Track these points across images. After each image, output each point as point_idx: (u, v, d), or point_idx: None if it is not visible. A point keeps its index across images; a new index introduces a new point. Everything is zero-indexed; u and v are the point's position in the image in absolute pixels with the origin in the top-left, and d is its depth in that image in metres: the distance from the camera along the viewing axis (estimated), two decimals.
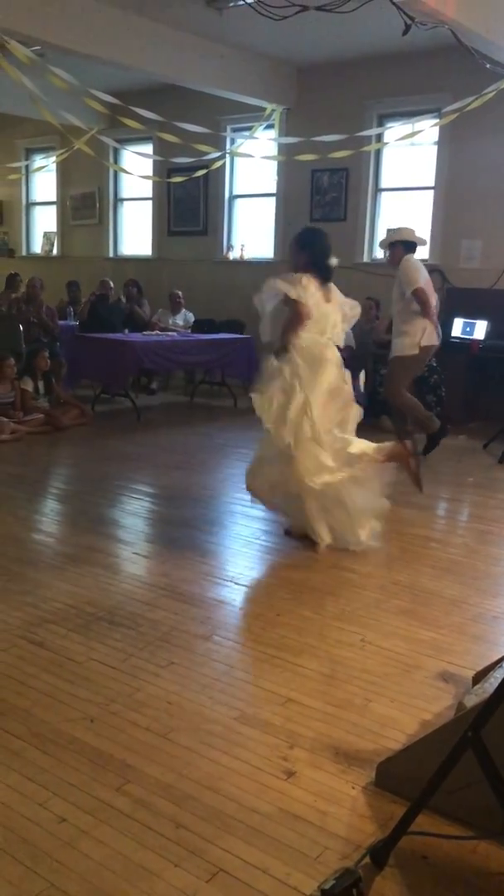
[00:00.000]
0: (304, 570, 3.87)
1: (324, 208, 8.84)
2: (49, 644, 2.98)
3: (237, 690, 2.71)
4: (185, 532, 4.40)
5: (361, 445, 4.17)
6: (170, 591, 3.55)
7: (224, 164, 8.91)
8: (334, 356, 4.25)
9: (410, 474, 4.50)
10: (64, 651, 2.93)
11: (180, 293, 9.21)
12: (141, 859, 1.91)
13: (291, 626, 3.23)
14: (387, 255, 5.99)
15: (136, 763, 2.29)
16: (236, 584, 3.68)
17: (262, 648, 3.02)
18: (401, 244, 5.82)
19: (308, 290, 4.17)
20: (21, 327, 8.03)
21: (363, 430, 4.39)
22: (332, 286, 4.37)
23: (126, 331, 8.41)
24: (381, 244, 6.15)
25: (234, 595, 3.55)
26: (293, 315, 4.18)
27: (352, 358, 7.56)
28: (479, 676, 2.63)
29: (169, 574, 3.75)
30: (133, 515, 4.84)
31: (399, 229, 6.07)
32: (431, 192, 8.14)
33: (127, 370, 7.60)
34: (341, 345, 4.38)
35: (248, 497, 4.41)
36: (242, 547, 4.25)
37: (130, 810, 2.09)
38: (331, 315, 4.28)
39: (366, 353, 7.51)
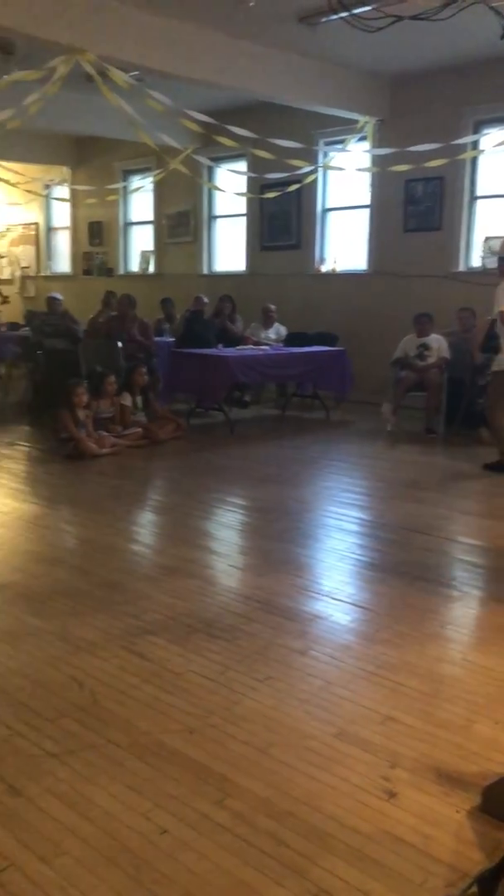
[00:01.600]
0: (401, 587, 3.80)
1: (418, 218, 8.73)
2: (149, 655, 3.03)
3: (335, 707, 2.68)
4: (279, 545, 4.40)
5: None
6: (266, 604, 3.55)
7: (317, 178, 8.93)
8: None
9: None
10: (163, 662, 2.97)
11: (273, 307, 9.27)
12: (243, 876, 1.91)
13: (390, 642, 3.18)
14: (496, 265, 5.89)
15: (236, 777, 2.29)
16: (333, 598, 3.65)
17: (361, 664, 2.98)
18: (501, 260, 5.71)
19: None
20: (119, 344, 8.24)
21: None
22: None
23: (220, 346, 8.51)
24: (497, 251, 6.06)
25: (330, 610, 3.52)
26: None
27: (447, 369, 7.42)
28: None
29: (264, 587, 3.75)
30: (228, 528, 4.87)
31: None
32: None
33: (221, 384, 7.68)
34: None
35: (342, 510, 4.38)
36: (337, 561, 4.21)
37: (231, 825, 2.09)
38: None
39: (463, 364, 7.35)
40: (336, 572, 4.05)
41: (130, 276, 12.05)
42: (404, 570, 4.01)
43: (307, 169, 7.90)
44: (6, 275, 13.90)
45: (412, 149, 6.96)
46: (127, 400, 7.06)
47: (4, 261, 13.92)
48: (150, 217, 11.71)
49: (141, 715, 2.61)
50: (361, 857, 1.97)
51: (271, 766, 2.35)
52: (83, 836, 2.03)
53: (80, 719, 2.57)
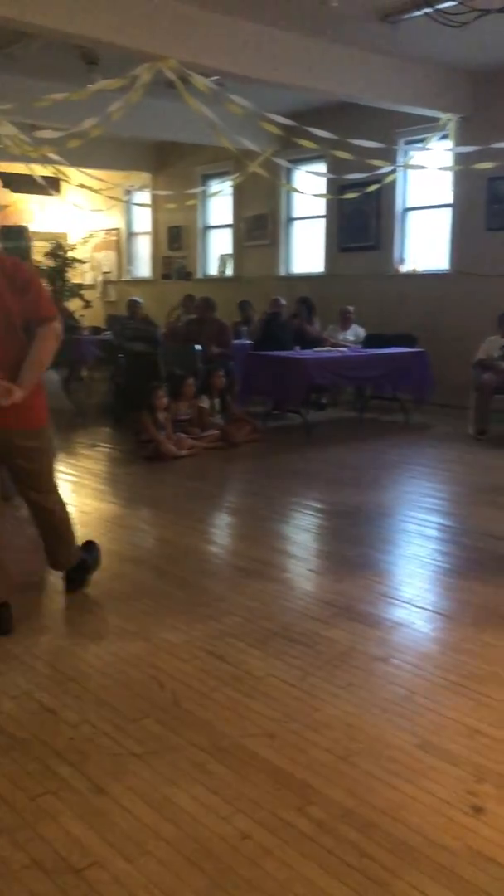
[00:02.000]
0: (486, 595, 3.70)
1: (502, 216, 8.51)
2: (229, 657, 3.03)
3: (419, 717, 2.63)
4: (358, 550, 4.34)
5: None
6: (345, 610, 3.51)
7: (396, 178, 8.82)
8: None
9: None
10: (243, 665, 2.97)
11: (351, 309, 9.19)
12: (325, 886, 1.88)
13: (474, 652, 3.09)
14: None
15: (317, 784, 2.27)
16: (414, 605, 3.58)
17: (444, 675, 2.91)
18: None
19: None
20: (198, 347, 8.32)
21: None
22: None
23: (297, 348, 8.50)
24: None
25: (412, 617, 3.45)
26: None
27: None
28: None
29: (344, 593, 3.71)
30: (305, 531, 4.85)
31: None
32: None
33: (298, 387, 7.66)
34: None
35: (422, 516, 4.29)
36: (419, 568, 4.13)
37: (313, 833, 2.06)
38: None
39: None
40: (417, 579, 3.97)
41: (209, 280, 12.15)
42: (489, 578, 3.91)
43: (387, 169, 7.81)
44: (88, 280, 14.22)
45: (496, 146, 6.79)
46: (205, 402, 7.11)
47: (87, 266, 14.24)
48: (229, 220, 11.78)
49: (222, 718, 2.61)
50: (448, 873, 1.92)
51: (353, 774, 2.32)
52: (166, 837, 2.04)
53: (161, 720, 2.59)
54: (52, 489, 3.52)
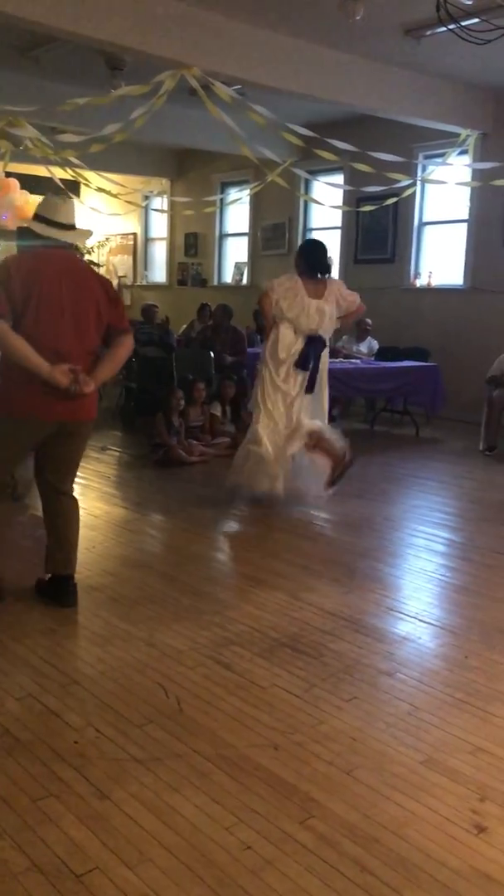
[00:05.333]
0: (493, 612, 3.69)
1: None
2: (235, 666, 3.03)
3: (423, 733, 2.62)
4: (366, 563, 4.33)
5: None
6: (352, 622, 3.50)
7: (414, 192, 8.82)
8: None
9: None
10: (249, 674, 2.97)
11: (369, 321, 9.19)
12: None
13: (480, 669, 3.08)
14: None
15: (320, 797, 2.26)
16: (421, 620, 3.57)
17: (450, 691, 2.90)
18: None
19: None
20: (212, 354, 8.33)
21: None
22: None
23: None
24: None
25: (418, 632, 3.44)
26: None
27: None
28: None
29: (351, 605, 3.70)
30: (313, 542, 4.84)
31: None
32: None
33: None
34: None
35: (431, 530, 4.30)
36: (426, 582, 4.12)
37: (315, 846, 2.05)
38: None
39: None
40: (424, 594, 3.96)
41: (224, 287, 12.17)
42: (496, 595, 3.89)
43: (405, 182, 7.82)
44: None
45: None
46: (217, 409, 7.12)
47: (103, 270, 14.29)
48: (246, 229, 11.81)
49: (226, 727, 2.61)
50: (450, 893, 1.91)
51: (356, 789, 2.31)
52: (167, 844, 2.04)
53: (165, 727, 2.59)
54: (74, 479, 3.74)
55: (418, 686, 2.95)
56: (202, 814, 2.16)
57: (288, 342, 5.18)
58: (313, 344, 5.21)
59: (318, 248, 5.41)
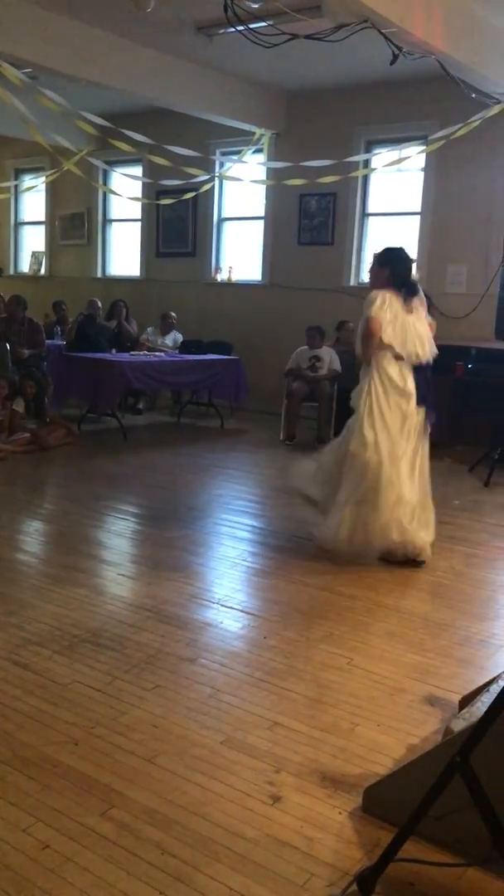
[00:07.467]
0: (290, 593, 3.86)
1: (311, 232, 8.92)
2: (33, 666, 2.95)
3: (223, 714, 2.69)
4: (171, 553, 4.38)
5: None
6: (155, 612, 3.53)
7: (213, 187, 8.98)
8: None
9: None
10: (48, 673, 2.90)
11: (174, 315, 9.24)
12: (126, 887, 1.88)
13: (278, 648, 3.22)
14: None
15: (122, 788, 2.26)
16: (223, 606, 3.66)
17: (249, 671, 3.01)
18: None
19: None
20: (8, 347, 8.00)
21: None
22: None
23: (113, 350, 8.41)
24: None
25: (220, 617, 3.53)
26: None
27: (337, 380, 7.58)
28: (466, 701, 2.62)
29: (155, 596, 3.72)
30: (118, 536, 4.81)
31: None
32: (418, 217, 8.24)
33: (114, 390, 7.59)
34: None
35: (234, 518, 4.41)
36: (229, 568, 4.23)
37: (115, 836, 2.06)
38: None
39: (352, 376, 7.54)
40: (227, 579, 4.07)
41: (21, 277, 11.74)
42: (293, 577, 4.08)
43: (203, 177, 7.94)
44: None
45: (306, 163, 7.11)
46: (20, 406, 6.87)
47: None
48: (43, 217, 11.46)
49: (24, 727, 2.54)
50: (246, 862, 1.99)
51: (158, 775, 2.34)
52: None
53: None
54: None
55: (220, 669, 3.03)
56: None
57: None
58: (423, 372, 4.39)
59: (409, 258, 4.46)
